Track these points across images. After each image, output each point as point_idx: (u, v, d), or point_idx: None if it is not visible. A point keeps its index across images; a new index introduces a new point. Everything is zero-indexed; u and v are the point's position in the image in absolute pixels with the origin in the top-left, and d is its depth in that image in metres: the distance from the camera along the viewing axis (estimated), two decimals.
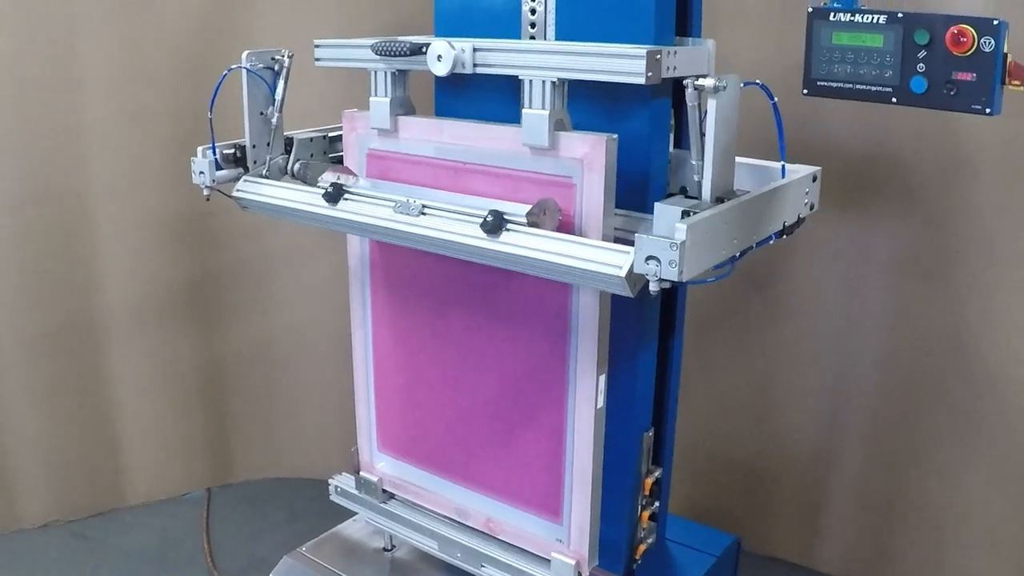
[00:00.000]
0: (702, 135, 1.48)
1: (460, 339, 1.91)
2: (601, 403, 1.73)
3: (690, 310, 2.02)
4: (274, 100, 1.96)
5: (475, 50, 1.63)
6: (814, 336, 2.63)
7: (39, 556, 2.88)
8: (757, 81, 1.55)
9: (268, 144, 1.98)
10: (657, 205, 1.43)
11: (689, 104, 1.46)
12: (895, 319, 2.49)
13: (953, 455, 2.47)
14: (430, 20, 1.89)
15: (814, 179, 1.74)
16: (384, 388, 2.09)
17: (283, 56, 1.95)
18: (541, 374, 1.79)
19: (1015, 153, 2.22)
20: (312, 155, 2.04)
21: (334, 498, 2.24)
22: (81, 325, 2.94)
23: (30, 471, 2.97)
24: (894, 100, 1.58)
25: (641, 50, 1.46)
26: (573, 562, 1.81)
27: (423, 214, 1.63)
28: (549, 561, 1.85)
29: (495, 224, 1.52)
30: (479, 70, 1.64)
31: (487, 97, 1.81)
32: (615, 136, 1.54)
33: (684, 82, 1.46)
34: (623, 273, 1.39)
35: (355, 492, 2.18)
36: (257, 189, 1.91)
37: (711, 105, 1.44)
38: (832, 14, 1.60)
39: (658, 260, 1.33)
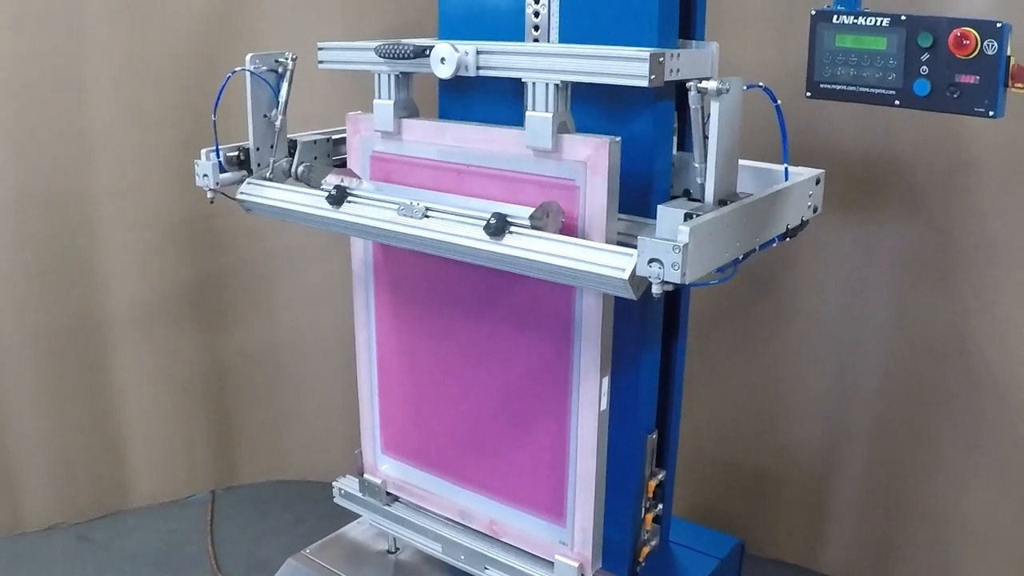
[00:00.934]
0: (705, 138, 1.48)
1: (463, 342, 1.91)
2: (604, 405, 1.73)
3: (693, 313, 2.02)
4: (278, 102, 1.96)
5: (478, 53, 1.63)
6: (817, 339, 2.63)
7: (43, 559, 2.89)
8: (760, 84, 1.55)
9: (272, 146, 1.98)
10: (660, 207, 1.43)
11: (692, 107, 1.46)
12: (898, 322, 2.49)
13: (957, 457, 2.47)
14: (434, 23, 1.89)
15: (817, 182, 1.74)
16: (388, 390, 2.09)
17: (287, 59, 1.95)
18: (544, 376, 1.79)
19: (1018, 155, 2.22)
20: (316, 157, 2.04)
21: (338, 501, 2.24)
22: (85, 328, 2.94)
23: (35, 474, 2.98)
24: (897, 103, 1.58)
25: (644, 53, 1.47)
26: (576, 564, 1.81)
27: (426, 216, 1.63)
28: (552, 563, 1.85)
29: (498, 227, 1.52)
30: (482, 72, 1.64)
31: (490, 100, 1.81)
32: (618, 139, 1.54)
33: (687, 85, 1.46)
34: (626, 276, 1.39)
35: (359, 495, 2.19)
36: (261, 191, 1.92)
37: (714, 108, 1.44)
38: (835, 16, 1.60)
39: (661, 263, 1.33)
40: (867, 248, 2.49)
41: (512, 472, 1.91)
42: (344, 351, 2.33)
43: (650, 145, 1.67)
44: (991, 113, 1.49)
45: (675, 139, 1.77)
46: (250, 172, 1.98)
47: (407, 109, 1.82)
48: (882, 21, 1.56)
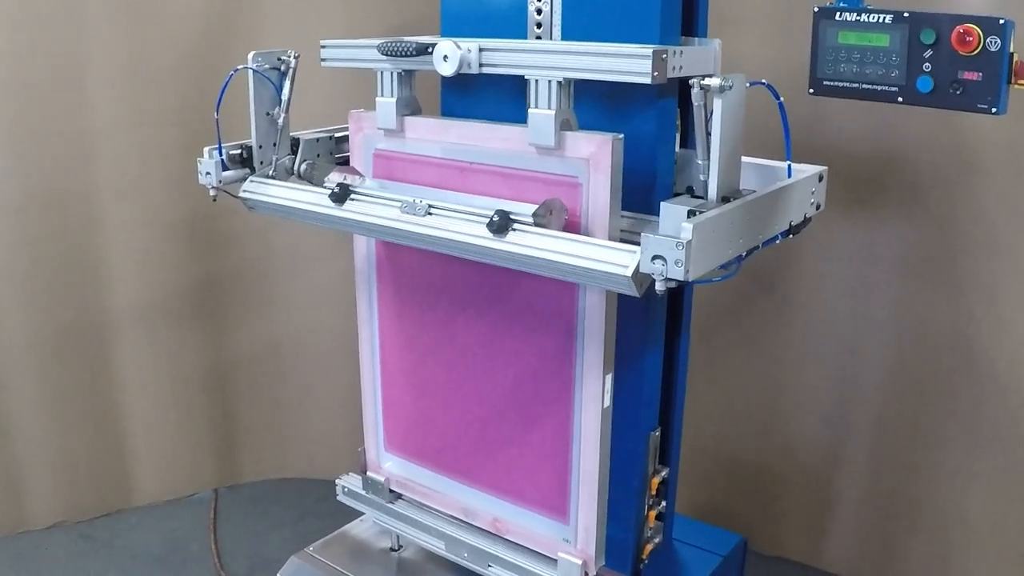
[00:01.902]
0: (708, 135, 1.48)
1: (466, 339, 1.91)
2: (608, 403, 1.73)
3: (697, 310, 2.02)
4: (280, 100, 1.96)
5: (481, 50, 1.63)
6: (821, 336, 2.63)
7: (47, 557, 2.89)
8: (763, 81, 1.55)
9: (274, 145, 1.98)
10: (663, 205, 1.43)
11: (695, 104, 1.46)
12: (902, 320, 2.49)
13: (960, 455, 2.46)
14: (436, 21, 1.89)
15: (820, 179, 1.74)
16: (391, 388, 2.09)
17: (289, 57, 1.95)
18: (547, 374, 1.79)
19: (1021, 152, 2.22)
20: (318, 155, 2.04)
21: (341, 498, 2.24)
22: (88, 327, 2.95)
23: (38, 472, 2.98)
24: (900, 100, 1.58)
25: (647, 50, 1.47)
26: (580, 562, 1.81)
27: (429, 214, 1.63)
28: (556, 561, 1.85)
29: (501, 224, 1.52)
30: (485, 70, 1.64)
31: (493, 97, 1.81)
32: (621, 136, 1.54)
33: (690, 82, 1.46)
34: (629, 273, 1.39)
35: (362, 492, 2.19)
36: (263, 190, 1.92)
37: (717, 105, 1.44)
38: (838, 13, 1.60)
39: (664, 259, 1.33)
40: (870, 246, 2.49)
41: (515, 470, 1.91)
42: (347, 349, 2.33)
43: (653, 142, 1.67)
44: (994, 110, 1.49)
45: (678, 136, 1.77)
46: (253, 170, 1.97)
47: (410, 107, 1.82)
48: (885, 18, 1.56)
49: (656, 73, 1.47)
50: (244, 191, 1.94)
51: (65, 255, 2.85)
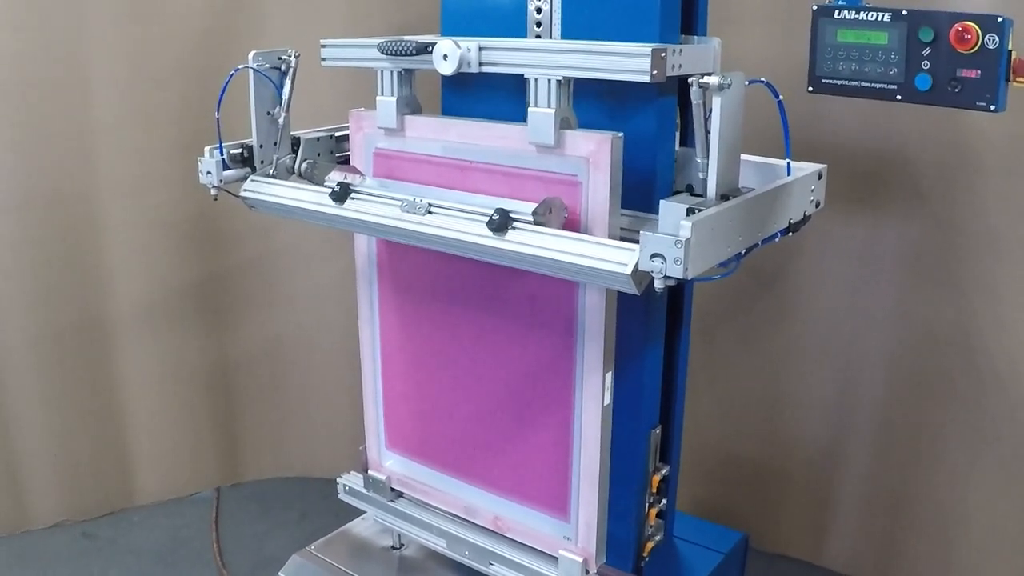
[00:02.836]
0: (707, 133, 1.48)
1: (467, 337, 1.91)
2: (608, 400, 1.74)
3: (697, 308, 2.02)
4: (281, 100, 1.96)
5: (481, 49, 1.64)
6: (821, 335, 2.63)
7: (49, 556, 2.89)
8: (762, 79, 1.55)
9: (275, 144, 1.99)
10: (662, 203, 1.44)
11: (694, 102, 1.47)
12: (902, 318, 2.49)
13: (961, 453, 2.47)
14: (436, 21, 1.90)
15: (820, 176, 1.74)
16: (392, 386, 2.10)
17: (290, 56, 1.95)
18: (548, 372, 1.79)
19: (1021, 150, 2.22)
20: (319, 154, 2.05)
21: (342, 497, 2.24)
22: (90, 327, 2.95)
23: (40, 472, 2.98)
24: (899, 97, 1.58)
25: (646, 48, 1.47)
26: (581, 559, 1.81)
27: (429, 213, 1.64)
28: (557, 558, 1.85)
29: (501, 222, 1.52)
30: (485, 69, 1.65)
31: (493, 96, 1.82)
32: (620, 134, 1.54)
33: (689, 80, 1.46)
34: (628, 271, 1.40)
35: (363, 491, 2.19)
36: (264, 189, 1.92)
37: (716, 103, 1.44)
38: (837, 12, 1.61)
39: (663, 258, 1.34)
40: (870, 244, 2.49)
41: (516, 468, 1.92)
42: (348, 349, 2.34)
43: (652, 141, 1.67)
44: (992, 107, 1.49)
45: (677, 135, 1.77)
46: (253, 169, 1.98)
47: (410, 106, 1.83)
48: (883, 16, 1.56)
49: (655, 72, 1.48)
50: (245, 190, 1.94)
51: (67, 255, 2.85)
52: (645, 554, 1.96)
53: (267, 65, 1.94)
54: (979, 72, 1.49)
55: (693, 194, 1.67)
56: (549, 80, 1.56)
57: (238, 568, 2.83)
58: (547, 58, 1.56)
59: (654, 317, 1.83)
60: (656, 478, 1.94)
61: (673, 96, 1.71)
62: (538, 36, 1.76)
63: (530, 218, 1.52)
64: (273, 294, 3.14)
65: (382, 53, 1.75)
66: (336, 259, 2.96)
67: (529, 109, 1.59)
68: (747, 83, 1.50)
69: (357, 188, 1.76)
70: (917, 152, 2.36)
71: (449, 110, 1.91)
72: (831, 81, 1.65)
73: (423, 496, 2.10)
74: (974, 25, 1.47)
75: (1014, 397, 2.34)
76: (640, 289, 1.42)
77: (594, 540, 1.81)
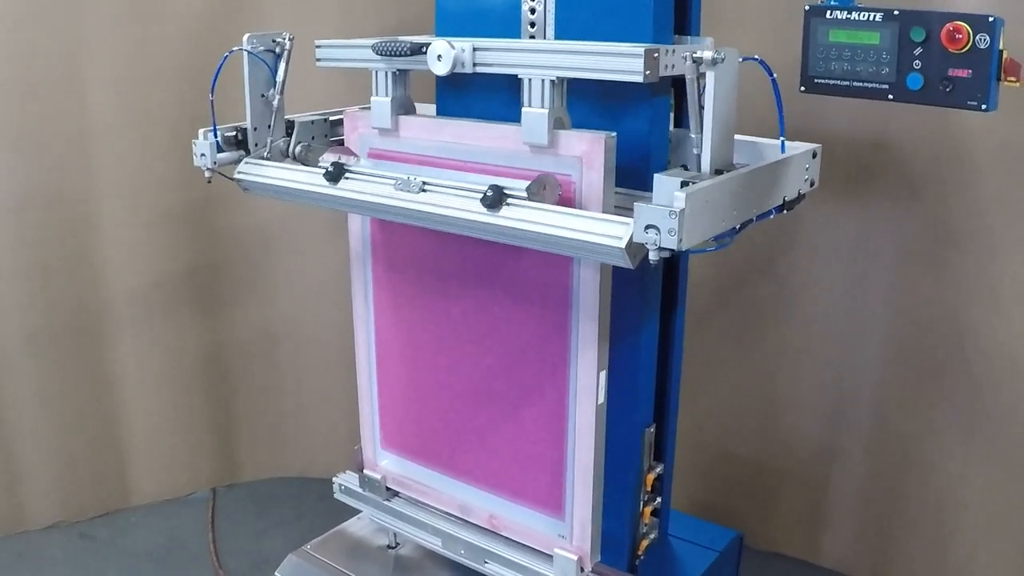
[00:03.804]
0: (701, 108, 1.48)
1: (461, 320, 1.91)
2: (602, 399, 1.74)
3: (690, 306, 2.03)
4: (275, 82, 1.96)
5: (475, 50, 1.64)
6: (816, 333, 2.64)
7: (46, 557, 2.90)
8: (756, 56, 1.55)
9: (269, 127, 1.98)
10: (656, 176, 1.42)
11: (688, 77, 1.46)
12: (898, 314, 2.50)
13: (957, 450, 2.47)
14: (431, 20, 1.90)
15: (814, 155, 1.74)
16: (387, 385, 2.10)
17: (284, 39, 1.95)
18: (542, 359, 1.79)
19: (1015, 147, 2.22)
20: (313, 138, 2.05)
21: (338, 496, 2.25)
22: (86, 327, 2.95)
23: (36, 472, 2.99)
24: (890, 97, 1.59)
25: (639, 48, 1.47)
26: (575, 557, 1.82)
27: (423, 191, 1.64)
28: (552, 557, 1.86)
29: (495, 198, 1.52)
30: (479, 69, 1.65)
31: (487, 96, 1.82)
32: (614, 134, 1.55)
33: (683, 55, 1.46)
34: (623, 244, 1.40)
35: (359, 490, 2.20)
36: (258, 170, 1.91)
37: (710, 77, 1.44)
38: (829, 12, 1.62)
39: (657, 229, 1.34)
40: (865, 239, 2.50)
41: (511, 466, 1.92)
42: (344, 349, 2.34)
43: (646, 140, 1.68)
44: (984, 107, 1.50)
45: (672, 116, 1.77)
46: (248, 152, 1.98)
47: (404, 106, 1.83)
48: (875, 16, 1.57)
49: (648, 72, 1.48)
50: (239, 172, 1.94)
51: (63, 255, 2.85)
52: (640, 552, 1.97)
53: (261, 48, 1.94)
54: (970, 72, 1.50)
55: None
56: (543, 80, 1.56)
57: (235, 568, 2.83)
58: (541, 58, 1.57)
59: (648, 310, 1.83)
60: (651, 476, 1.95)
61: (667, 96, 1.72)
62: (532, 36, 1.76)
63: (524, 194, 1.52)
64: (269, 295, 3.15)
65: (376, 54, 1.75)
66: (332, 259, 2.97)
67: (523, 109, 1.60)
68: (740, 60, 1.50)
69: (351, 168, 1.75)
70: (911, 150, 2.37)
71: (444, 110, 1.91)
72: (823, 81, 1.66)
73: (418, 495, 2.10)
74: (965, 25, 1.48)
75: (1009, 395, 2.34)
76: (635, 263, 1.42)
77: (589, 538, 1.81)
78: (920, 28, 1.52)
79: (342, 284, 2.24)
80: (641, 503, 1.95)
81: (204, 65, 2.76)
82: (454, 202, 1.59)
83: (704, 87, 1.46)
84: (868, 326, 2.56)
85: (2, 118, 2.69)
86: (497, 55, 1.63)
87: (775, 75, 1.55)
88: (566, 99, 1.60)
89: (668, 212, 1.33)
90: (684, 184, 1.38)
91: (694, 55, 1.44)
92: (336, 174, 1.75)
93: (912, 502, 2.59)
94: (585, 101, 1.68)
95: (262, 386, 3.25)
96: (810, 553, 2.82)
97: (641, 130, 1.67)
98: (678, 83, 1.69)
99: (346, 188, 1.74)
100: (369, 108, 1.84)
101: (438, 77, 1.73)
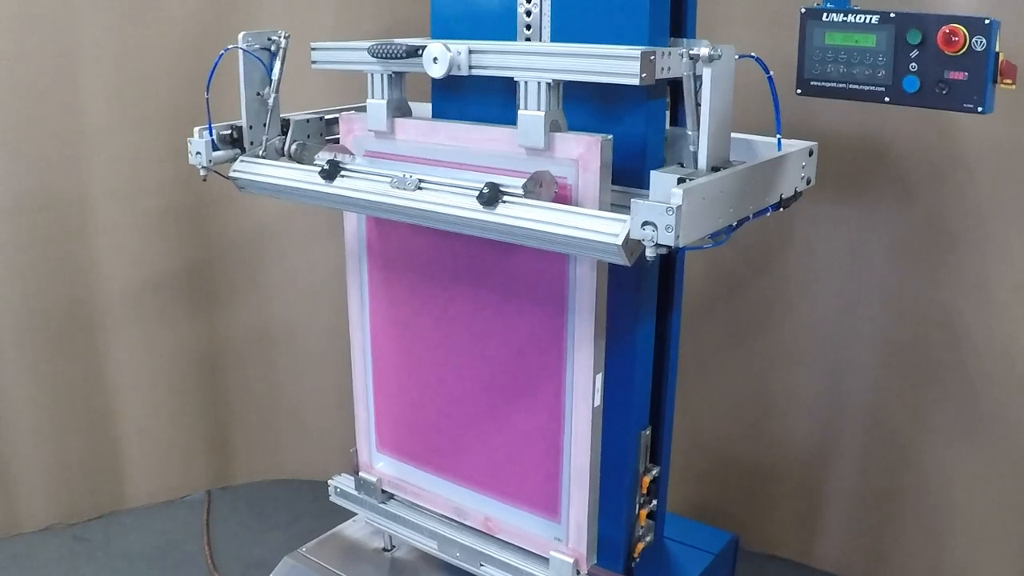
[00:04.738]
0: (697, 105, 1.48)
1: (457, 320, 1.91)
2: (598, 402, 1.74)
3: (686, 309, 2.03)
4: (271, 81, 1.96)
5: (471, 52, 1.64)
6: (810, 334, 2.64)
7: (40, 559, 2.89)
8: (752, 54, 1.55)
9: (265, 125, 1.98)
10: (653, 173, 1.42)
11: (684, 74, 1.46)
12: (892, 315, 2.50)
13: (951, 451, 2.48)
14: (427, 22, 1.90)
15: (811, 153, 1.74)
16: (382, 382, 2.10)
17: (279, 37, 1.95)
18: (539, 364, 1.79)
19: (1009, 148, 2.23)
20: (309, 136, 2.04)
21: (334, 499, 2.24)
22: (80, 329, 2.94)
23: (30, 475, 2.98)
24: (887, 99, 1.59)
25: (635, 51, 1.47)
26: (571, 560, 1.82)
27: (420, 188, 1.63)
28: (548, 559, 1.85)
29: (491, 196, 1.52)
30: (475, 72, 1.65)
31: (483, 98, 1.82)
32: (610, 136, 1.55)
33: (679, 52, 1.46)
34: (620, 240, 1.39)
35: (354, 493, 2.19)
36: (254, 169, 1.91)
37: (706, 74, 1.44)
38: (825, 14, 1.62)
39: (654, 226, 1.34)
40: (859, 242, 2.50)
41: (507, 469, 1.92)
42: (339, 351, 2.34)
43: (642, 142, 1.67)
44: (980, 109, 1.50)
45: (668, 114, 1.77)
46: (243, 150, 1.97)
47: (400, 108, 1.83)
48: (871, 18, 1.57)
49: (644, 74, 1.47)
50: (234, 171, 1.93)
51: (57, 257, 2.85)
52: (635, 555, 1.97)
53: (257, 46, 1.94)
54: (966, 74, 1.50)
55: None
56: (539, 83, 1.56)
57: (229, 570, 2.82)
58: (537, 61, 1.56)
59: (645, 299, 1.83)
60: (646, 479, 1.94)
61: (663, 98, 1.72)
62: (528, 38, 1.76)
63: (520, 191, 1.52)
64: (264, 297, 3.14)
65: (372, 56, 1.75)
66: (327, 260, 2.97)
67: (519, 112, 1.59)
68: (737, 57, 1.50)
69: (347, 166, 1.75)
70: (907, 151, 2.37)
71: (439, 112, 1.91)
72: (819, 83, 1.66)
73: (414, 498, 2.10)
74: (961, 27, 1.48)
75: (1003, 395, 2.35)
76: (631, 260, 1.42)
77: (585, 541, 1.81)
78: (916, 30, 1.52)
79: (337, 285, 2.24)
80: (637, 506, 1.95)
81: (198, 66, 2.76)
82: (450, 199, 1.59)
83: (701, 85, 1.46)
84: (863, 326, 2.56)
85: None
86: (493, 57, 1.62)
87: (771, 73, 1.55)
88: (562, 101, 1.60)
89: (665, 209, 1.32)
90: (681, 181, 1.38)
91: (691, 52, 1.44)
92: (332, 172, 1.74)
93: (907, 503, 2.59)
94: (581, 102, 1.68)
95: (257, 388, 3.25)
96: (805, 555, 2.83)
97: (637, 131, 1.67)
98: (674, 81, 1.69)
99: (342, 186, 1.74)
100: (364, 109, 1.84)
101: (434, 79, 1.72)
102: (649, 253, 1.37)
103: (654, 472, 1.96)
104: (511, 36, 1.77)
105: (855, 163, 2.43)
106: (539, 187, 1.54)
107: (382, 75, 1.79)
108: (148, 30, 2.79)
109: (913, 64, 1.54)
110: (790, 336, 2.67)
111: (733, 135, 1.56)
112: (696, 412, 2.77)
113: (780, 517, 2.83)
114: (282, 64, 1.96)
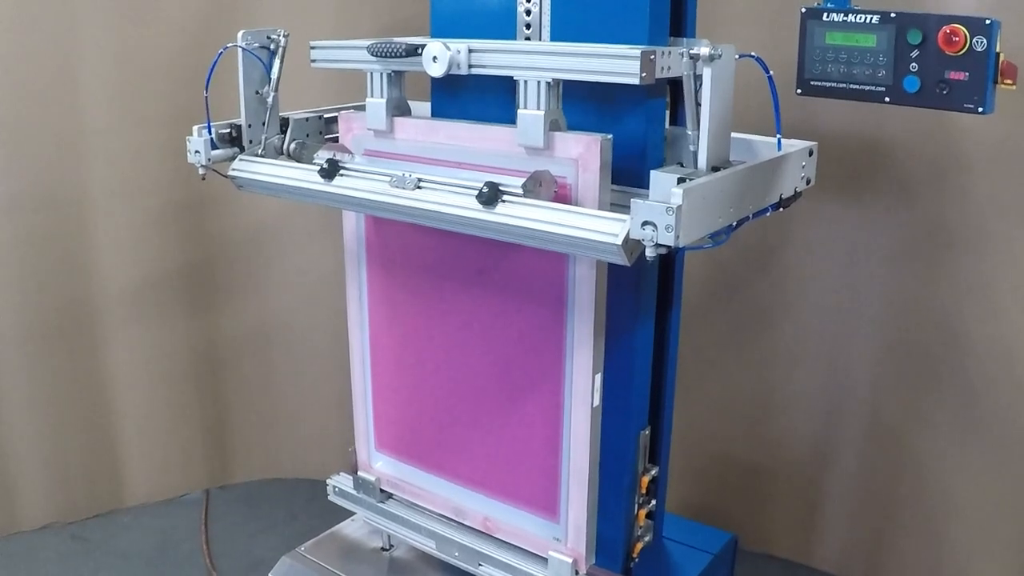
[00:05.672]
0: (698, 105, 1.48)
1: (456, 319, 1.91)
2: (597, 402, 1.74)
3: (685, 310, 2.02)
4: (270, 79, 1.96)
5: (470, 51, 1.64)
6: (810, 334, 2.64)
7: (38, 558, 2.89)
8: (752, 54, 1.55)
9: (264, 124, 1.98)
10: (653, 173, 1.41)
11: (684, 73, 1.46)
12: (891, 316, 2.50)
13: (950, 451, 2.48)
14: (427, 21, 1.89)
15: (811, 153, 1.73)
16: (381, 382, 2.10)
17: (279, 35, 1.95)
18: (538, 364, 1.79)
19: (1010, 148, 2.23)
20: (308, 135, 2.04)
21: (332, 498, 2.24)
22: (79, 328, 2.94)
23: (29, 473, 2.98)
24: (887, 99, 1.59)
25: (635, 50, 1.47)
26: (570, 560, 1.82)
27: (419, 188, 1.63)
28: (546, 559, 1.85)
29: (491, 195, 1.52)
30: (474, 71, 1.65)
31: (483, 98, 1.81)
32: (610, 136, 1.55)
33: (679, 52, 1.46)
34: (619, 240, 1.39)
35: (353, 492, 2.19)
36: (253, 167, 1.91)
37: (706, 73, 1.43)
38: (825, 14, 1.61)
39: (654, 225, 1.33)
40: (859, 242, 2.50)
41: (506, 468, 1.92)
42: (338, 350, 2.33)
43: (642, 142, 1.67)
44: (980, 109, 1.50)
45: (667, 114, 1.77)
46: (242, 149, 1.97)
47: (400, 107, 1.82)
48: (872, 18, 1.57)
49: (644, 74, 1.47)
50: (233, 169, 1.93)
51: (55, 257, 2.85)
52: (634, 555, 1.96)
53: (256, 44, 1.93)
54: (967, 74, 1.49)
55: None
56: (539, 82, 1.56)
57: (228, 570, 2.82)
58: (536, 60, 1.56)
59: (644, 299, 1.82)
60: (645, 479, 1.94)
61: (663, 98, 1.71)
62: (527, 38, 1.75)
63: (519, 191, 1.52)
64: (262, 296, 3.14)
65: (371, 55, 1.74)
66: (326, 259, 2.96)
67: (519, 111, 1.59)
68: (737, 56, 1.50)
69: (346, 165, 1.75)
70: (906, 152, 2.37)
71: (439, 111, 1.91)
72: (820, 83, 1.65)
73: (413, 497, 2.10)
74: (962, 27, 1.47)
75: (1003, 395, 2.35)
76: (631, 259, 1.42)
77: (583, 541, 1.81)
78: (917, 30, 1.52)
79: (336, 284, 2.24)
80: (636, 506, 1.94)
81: (197, 66, 2.75)
82: (450, 199, 1.59)
83: (701, 84, 1.46)
84: (862, 326, 2.56)
85: None
86: (493, 56, 1.62)
87: (771, 72, 1.54)
88: (561, 100, 1.60)
89: (665, 208, 1.32)
90: (681, 181, 1.37)
91: (691, 51, 1.44)
92: (331, 171, 1.74)
93: (906, 504, 2.59)
94: (581, 102, 1.67)
95: (256, 387, 3.24)
96: (804, 555, 2.82)
97: (637, 131, 1.66)
98: (674, 81, 1.68)
99: (341, 185, 1.73)
100: (364, 108, 1.84)
101: (433, 79, 1.72)
102: (649, 253, 1.36)
103: (653, 472, 1.96)
104: (511, 35, 1.77)
105: (855, 163, 2.43)
106: (539, 186, 1.53)
107: (381, 74, 1.79)
108: (148, 30, 2.79)
109: (913, 64, 1.54)
110: (789, 336, 2.67)
111: (733, 135, 1.56)
112: (695, 412, 2.77)
113: (779, 517, 2.83)
114: (281, 63, 1.96)
